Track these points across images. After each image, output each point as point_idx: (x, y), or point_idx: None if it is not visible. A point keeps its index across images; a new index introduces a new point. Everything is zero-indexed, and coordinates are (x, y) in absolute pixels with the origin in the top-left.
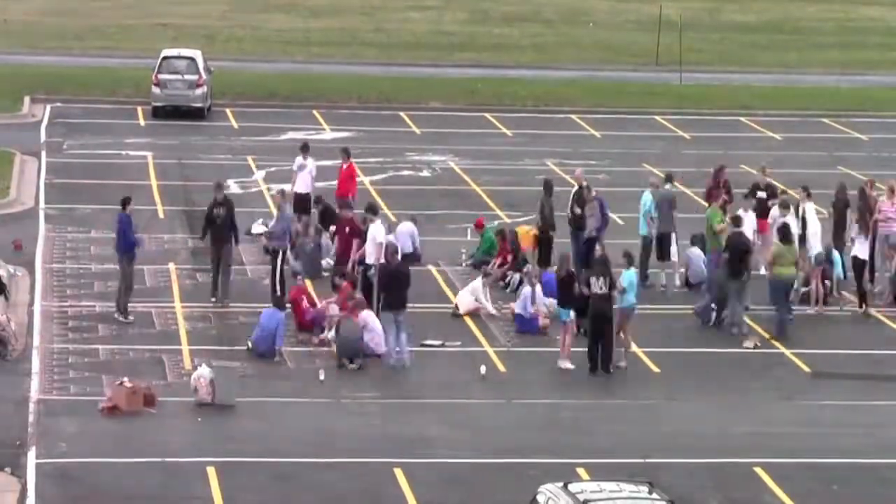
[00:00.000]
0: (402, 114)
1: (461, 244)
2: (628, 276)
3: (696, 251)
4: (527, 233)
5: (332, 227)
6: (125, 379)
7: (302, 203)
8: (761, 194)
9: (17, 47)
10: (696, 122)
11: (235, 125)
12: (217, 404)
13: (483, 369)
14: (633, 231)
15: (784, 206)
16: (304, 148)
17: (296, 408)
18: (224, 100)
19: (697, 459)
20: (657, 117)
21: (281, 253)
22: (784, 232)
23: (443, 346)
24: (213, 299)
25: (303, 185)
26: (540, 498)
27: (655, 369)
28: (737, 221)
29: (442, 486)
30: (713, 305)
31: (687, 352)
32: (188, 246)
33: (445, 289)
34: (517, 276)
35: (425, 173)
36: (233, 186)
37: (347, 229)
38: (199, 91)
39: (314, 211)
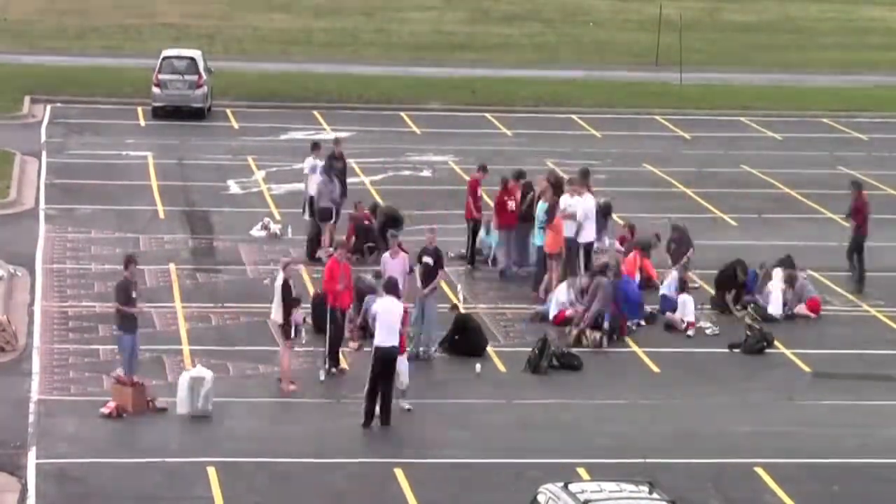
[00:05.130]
0: (402, 114)
1: (461, 244)
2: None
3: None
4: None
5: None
6: (119, 372)
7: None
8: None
9: (17, 47)
10: (697, 122)
11: (236, 125)
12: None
13: (478, 367)
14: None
15: None
16: (315, 146)
17: (296, 408)
18: (224, 100)
19: (698, 459)
20: (657, 117)
21: None
22: None
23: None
24: None
25: (315, 187)
26: (540, 498)
27: (656, 369)
28: None
29: (442, 487)
30: None
31: (687, 352)
32: (188, 246)
33: (445, 288)
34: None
35: (425, 173)
36: (233, 187)
37: None
38: (199, 91)
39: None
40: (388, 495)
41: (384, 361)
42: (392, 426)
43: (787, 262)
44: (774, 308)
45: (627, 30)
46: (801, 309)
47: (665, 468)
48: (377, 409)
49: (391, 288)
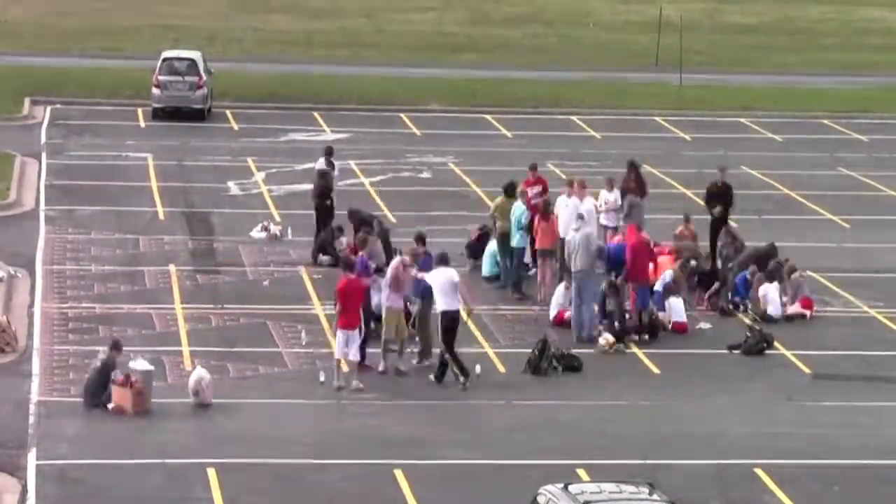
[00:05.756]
0: (402, 115)
1: (461, 246)
2: None
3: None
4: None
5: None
6: (118, 373)
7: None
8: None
9: (17, 48)
10: (697, 124)
11: (236, 126)
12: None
13: (478, 369)
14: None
15: None
16: (329, 152)
17: (296, 409)
18: (224, 101)
19: (698, 460)
20: (657, 118)
21: None
22: None
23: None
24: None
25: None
26: (540, 499)
27: (655, 370)
28: None
29: (442, 488)
30: None
31: (687, 353)
32: (188, 247)
33: None
34: None
35: (425, 174)
36: (233, 188)
37: None
38: (199, 92)
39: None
40: (388, 496)
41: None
42: (391, 427)
43: (766, 255)
44: (773, 309)
45: (627, 31)
46: (796, 307)
47: (665, 469)
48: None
49: (443, 260)
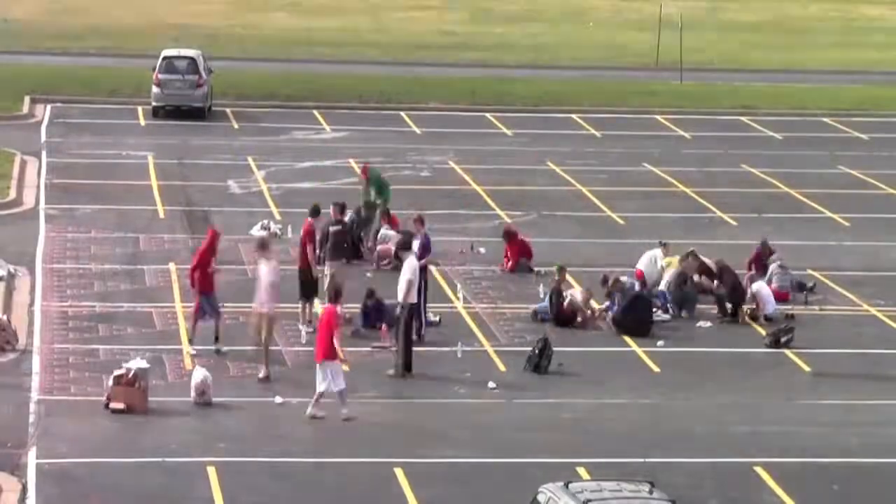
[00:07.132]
0: (402, 113)
1: (462, 244)
2: None
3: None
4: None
5: None
6: (120, 371)
7: None
8: None
9: (17, 47)
10: (697, 122)
11: (236, 125)
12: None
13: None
14: (633, 233)
15: None
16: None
17: (295, 408)
18: (224, 100)
19: (698, 459)
20: (658, 117)
21: None
22: None
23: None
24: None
25: None
26: (540, 497)
27: (655, 369)
28: None
29: (442, 486)
30: None
31: (687, 351)
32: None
33: (446, 288)
34: None
35: (425, 173)
36: (233, 186)
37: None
38: (199, 91)
39: None
40: (389, 495)
41: None
42: (392, 426)
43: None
44: (769, 308)
45: (627, 29)
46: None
47: (665, 467)
48: None
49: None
